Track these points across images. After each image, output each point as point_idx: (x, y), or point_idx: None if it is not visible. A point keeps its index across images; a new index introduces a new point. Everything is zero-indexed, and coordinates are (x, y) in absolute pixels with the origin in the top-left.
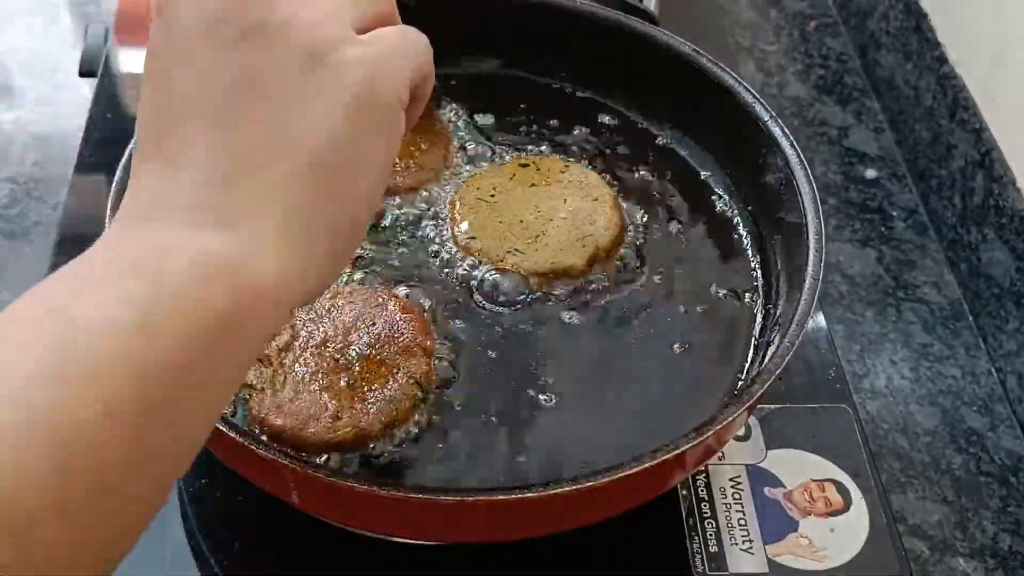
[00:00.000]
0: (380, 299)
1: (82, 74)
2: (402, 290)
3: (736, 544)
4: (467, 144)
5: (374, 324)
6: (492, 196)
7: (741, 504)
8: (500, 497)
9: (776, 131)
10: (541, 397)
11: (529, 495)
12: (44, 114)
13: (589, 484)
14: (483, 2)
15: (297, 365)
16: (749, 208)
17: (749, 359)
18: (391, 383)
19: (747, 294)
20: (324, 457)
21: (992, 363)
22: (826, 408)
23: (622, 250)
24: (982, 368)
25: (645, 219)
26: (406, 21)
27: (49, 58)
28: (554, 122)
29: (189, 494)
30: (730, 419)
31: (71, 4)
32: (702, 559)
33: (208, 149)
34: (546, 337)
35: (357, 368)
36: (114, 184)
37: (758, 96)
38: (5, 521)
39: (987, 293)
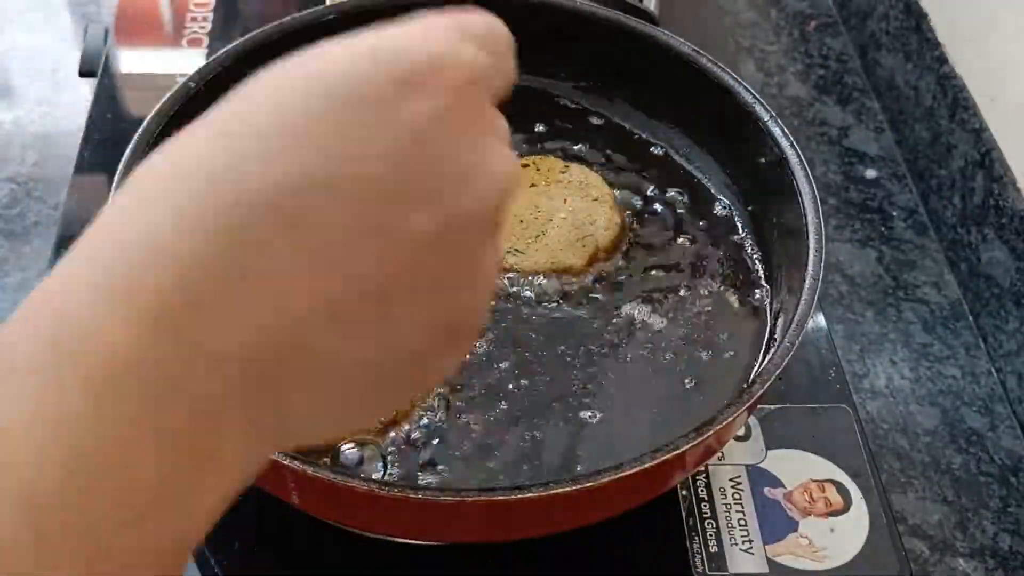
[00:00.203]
0: None
1: (82, 74)
2: None
3: (736, 544)
4: None
5: None
6: None
7: (741, 504)
8: (500, 497)
9: (776, 131)
10: (542, 396)
11: (529, 495)
12: (44, 114)
13: (589, 484)
14: (481, 2)
15: None
16: (749, 208)
17: (748, 359)
18: None
19: (746, 294)
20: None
21: (992, 363)
22: (826, 408)
23: (622, 250)
24: (982, 368)
25: (645, 219)
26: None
27: (49, 58)
28: (555, 122)
29: None
30: (730, 419)
31: (71, 4)
32: (702, 559)
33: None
34: (546, 337)
35: None
36: (114, 185)
37: (758, 96)
38: None
39: (987, 293)
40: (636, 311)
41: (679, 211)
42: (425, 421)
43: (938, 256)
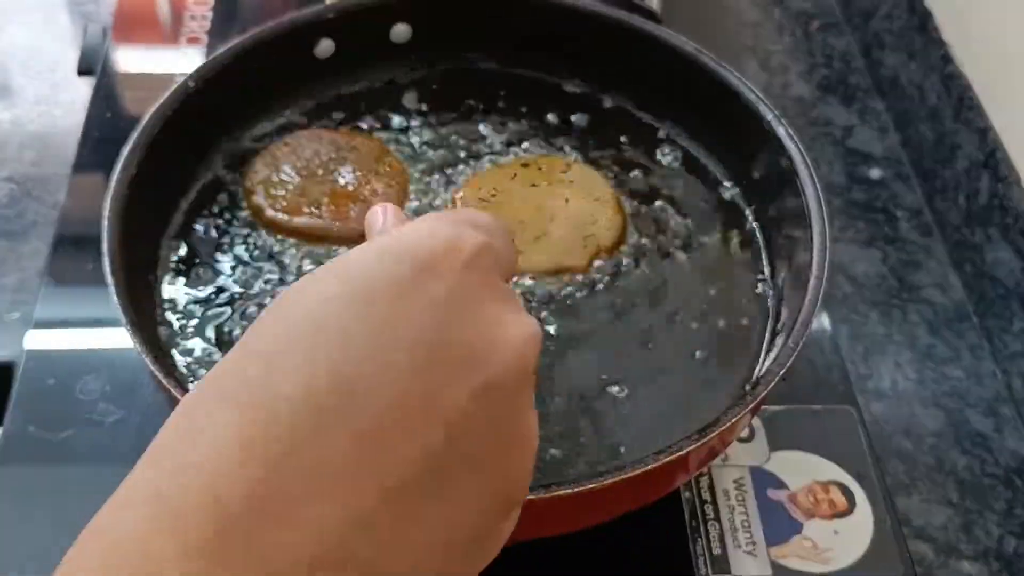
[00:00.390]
0: None
1: (80, 73)
2: None
3: (739, 546)
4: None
5: None
6: (493, 196)
7: (744, 506)
8: None
9: (780, 131)
10: (544, 398)
11: (531, 497)
12: (42, 113)
13: (591, 486)
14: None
15: None
16: (752, 208)
17: (752, 360)
18: None
19: (749, 294)
20: None
21: (997, 364)
22: (830, 410)
23: (624, 250)
24: (987, 370)
25: (648, 220)
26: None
27: (47, 57)
28: (556, 121)
29: None
30: (734, 421)
31: (69, 3)
32: (705, 561)
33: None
34: (546, 336)
35: None
36: (112, 184)
37: (761, 96)
38: None
39: (992, 294)
40: (637, 312)
41: (681, 211)
42: None
43: (943, 257)
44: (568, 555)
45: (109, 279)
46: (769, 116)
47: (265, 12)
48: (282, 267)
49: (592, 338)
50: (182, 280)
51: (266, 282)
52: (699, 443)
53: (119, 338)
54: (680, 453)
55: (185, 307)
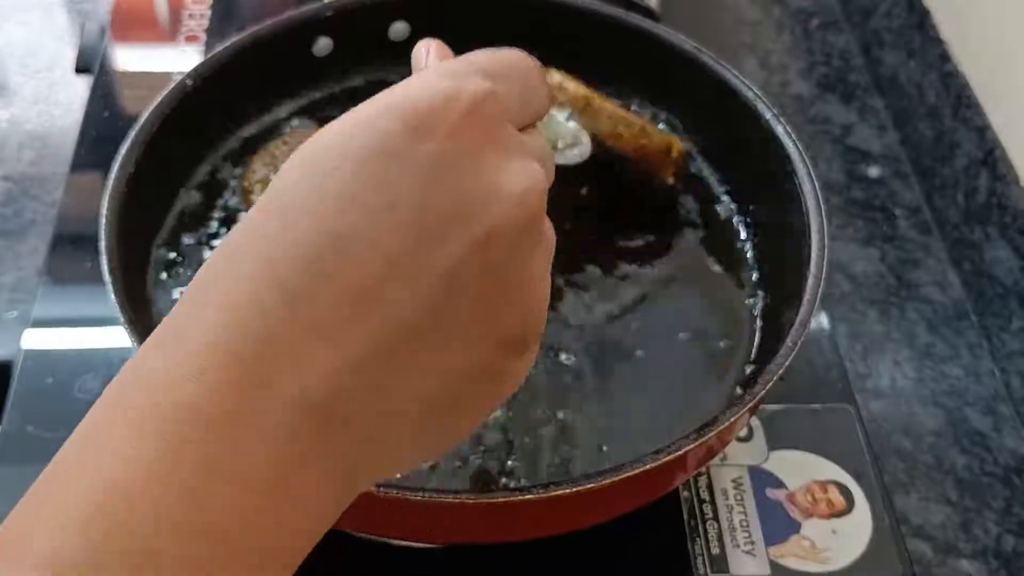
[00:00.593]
0: None
1: (78, 71)
2: None
3: (738, 546)
4: None
5: None
6: None
7: (743, 505)
8: (500, 499)
9: (778, 129)
10: (544, 396)
11: (529, 497)
12: (40, 111)
13: (590, 486)
14: None
15: None
16: (751, 206)
17: (750, 360)
18: None
19: (749, 293)
20: None
21: (996, 363)
22: (829, 408)
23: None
24: (986, 368)
25: (647, 218)
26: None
27: (45, 55)
28: None
29: None
30: (732, 420)
31: (67, 1)
32: (704, 561)
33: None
34: (546, 335)
35: None
36: (110, 182)
37: (760, 94)
38: None
39: (991, 292)
40: (635, 311)
41: (680, 210)
42: None
43: (941, 255)
44: (568, 555)
45: (107, 277)
46: (768, 114)
47: (263, 10)
48: None
49: (586, 336)
50: (180, 278)
51: None
52: (697, 442)
53: (117, 336)
54: (678, 452)
55: None
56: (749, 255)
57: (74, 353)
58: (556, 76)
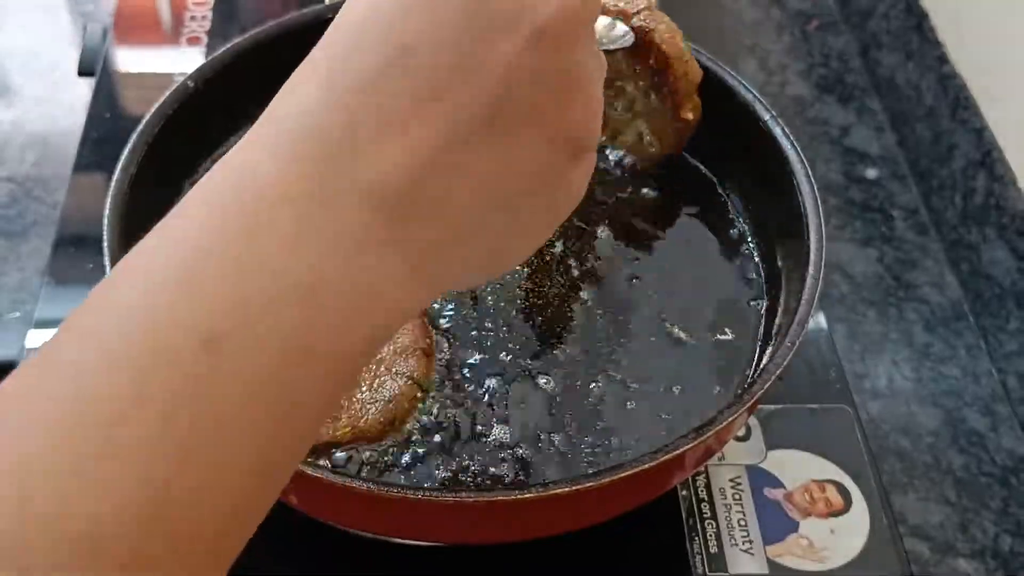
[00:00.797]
0: None
1: (81, 73)
2: None
3: (736, 545)
4: None
5: None
6: None
7: (741, 505)
8: (499, 498)
9: (777, 130)
10: (544, 396)
11: (528, 496)
12: (43, 113)
13: (589, 485)
14: None
15: None
16: (749, 208)
17: (748, 359)
18: (390, 383)
19: (747, 293)
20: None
21: (993, 363)
22: (827, 408)
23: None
24: (983, 368)
25: (644, 218)
26: None
27: (48, 57)
28: None
29: None
30: (730, 420)
31: (70, 3)
32: (702, 560)
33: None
34: (547, 335)
35: None
36: (112, 183)
37: (758, 95)
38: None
39: (988, 293)
40: (635, 310)
41: (679, 211)
42: (424, 420)
43: (939, 256)
44: (567, 554)
45: None
46: (766, 116)
47: (265, 12)
48: None
49: (585, 337)
50: None
51: None
52: (696, 442)
53: None
54: (677, 452)
55: None
56: (746, 256)
57: None
58: None
